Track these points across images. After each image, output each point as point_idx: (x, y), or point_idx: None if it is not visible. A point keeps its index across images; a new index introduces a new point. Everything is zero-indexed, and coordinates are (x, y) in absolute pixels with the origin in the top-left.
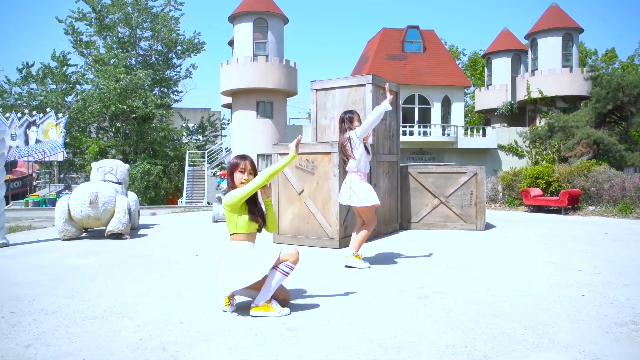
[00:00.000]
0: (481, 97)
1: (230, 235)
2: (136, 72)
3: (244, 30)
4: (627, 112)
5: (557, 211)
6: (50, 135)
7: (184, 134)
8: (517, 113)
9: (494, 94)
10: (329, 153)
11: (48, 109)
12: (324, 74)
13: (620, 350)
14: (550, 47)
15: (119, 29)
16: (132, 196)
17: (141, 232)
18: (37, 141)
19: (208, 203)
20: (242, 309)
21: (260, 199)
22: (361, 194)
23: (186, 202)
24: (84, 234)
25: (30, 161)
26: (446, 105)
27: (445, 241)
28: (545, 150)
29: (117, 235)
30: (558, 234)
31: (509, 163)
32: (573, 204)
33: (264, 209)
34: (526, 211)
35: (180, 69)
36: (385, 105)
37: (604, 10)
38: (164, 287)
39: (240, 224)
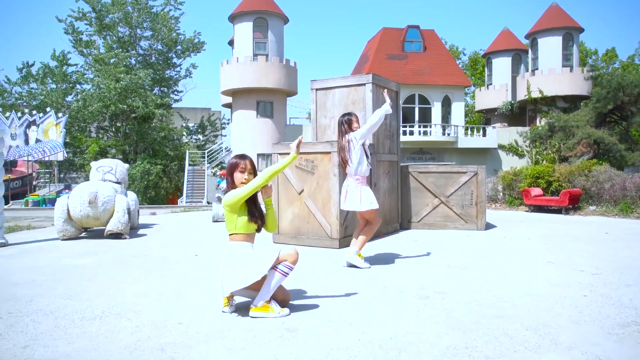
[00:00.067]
0: (481, 96)
1: (229, 235)
2: (136, 71)
3: (244, 30)
4: (627, 112)
5: (558, 211)
6: (50, 134)
7: (184, 133)
8: (518, 113)
9: (494, 94)
10: (329, 153)
11: (48, 109)
12: (324, 74)
13: (623, 351)
14: (550, 47)
15: (119, 28)
16: (132, 196)
17: (141, 231)
18: (37, 141)
19: (208, 203)
20: (242, 310)
21: (260, 199)
22: (364, 198)
23: (186, 202)
24: (83, 233)
25: (30, 161)
26: (446, 105)
27: (446, 241)
28: (546, 150)
29: (116, 235)
30: (559, 234)
31: (509, 163)
32: (574, 204)
33: (264, 209)
34: (527, 211)
35: (181, 69)
36: (386, 108)
37: (604, 10)
38: (163, 287)
39: (239, 225)
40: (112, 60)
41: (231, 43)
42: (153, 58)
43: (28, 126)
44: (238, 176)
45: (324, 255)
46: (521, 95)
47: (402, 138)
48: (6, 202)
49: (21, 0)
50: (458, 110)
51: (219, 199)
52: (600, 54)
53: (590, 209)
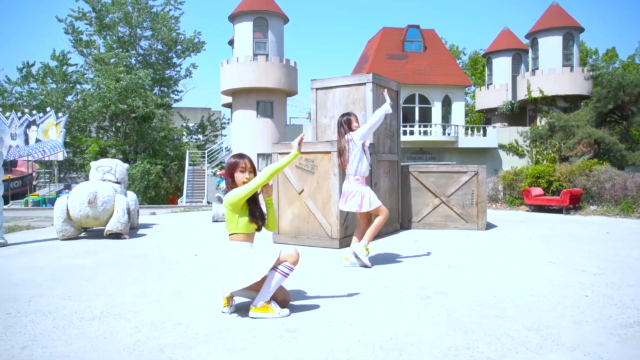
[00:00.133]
0: (482, 96)
1: (229, 235)
2: (136, 71)
3: (244, 30)
4: (627, 112)
5: (559, 211)
6: (50, 134)
7: (184, 133)
8: (518, 112)
9: (495, 94)
10: (329, 152)
11: (48, 109)
12: (324, 74)
13: (625, 352)
14: (550, 47)
15: (119, 28)
16: (131, 196)
17: (140, 231)
18: (37, 140)
19: (208, 203)
20: (241, 310)
21: (260, 199)
22: (364, 202)
23: (186, 202)
24: (83, 233)
25: (30, 161)
26: (447, 104)
27: (447, 241)
28: (546, 149)
29: (116, 235)
30: (560, 234)
31: (509, 162)
32: (574, 204)
33: (264, 209)
34: (527, 211)
35: (181, 69)
36: (386, 108)
37: (605, 9)
38: (162, 288)
39: (240, 224)
40: (112, 60)
41: (231, 43)
42: (153, 58)
43: (28, 126)
44: (239, 176)
45: (324, 255)
46: (521, 95)
47: (403, 138)
48: (6, 202)
49: (21, 0)
50: (458, 110)
51: (219, 199)
52: (600, 54)
53: (591, 209)
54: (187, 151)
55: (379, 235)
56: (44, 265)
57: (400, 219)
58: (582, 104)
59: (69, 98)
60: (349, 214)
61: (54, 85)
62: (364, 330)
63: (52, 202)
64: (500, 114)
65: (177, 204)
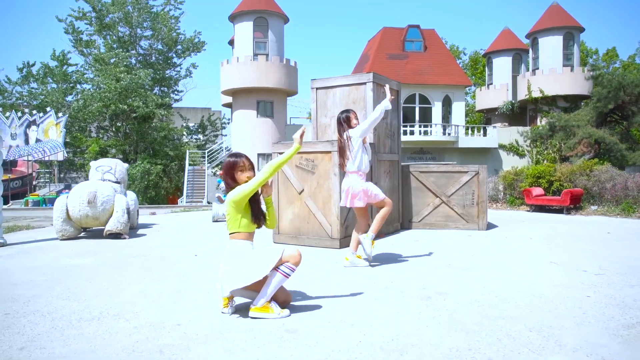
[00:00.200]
0: (482, 96)
1: (230, 234)
2: (136, 71)
3: (245, 30)
4: (628, 112)
5: (559, 211)
6: (50, 134)
7: (184, 133)
8: (518, 112)
9: (495, 94)
10: (330, 152)
11: (48, 109)
12: (324, 74)
13: (628, 353)
14: (551, 47)
15: (119, 28)
16: (131, 195)
17: (140, 231)
18: (37, 140)
19: (208, 202)
20: (241, 310)
21: (260, 198)
22: (369, 191)
23: (186, 202)
24: (83, 233)
25: (30, 160)
26: (447, 104)
27: (447, 241)
28: (546, 149)
29: (115, 235)
30: (561, 234)
31: (509, 162)
32: (575, 204)
33: (264, 209)
34: (528, 211)
35: (181, 69)
36: (386, 104)
37: (605, 9)
38: (162, 288)
39: (242, 224)
40: (112, 60)
41: (231, 43)
42: (153, 58)
43: (28, 126)
44: (241, 176)
45: (324, 255)
46: (522, 94)
47: (403, 138)
48: (6, 202)
49: (21, 0)
50: (458, 110)
51: (219, 199)
52: (600, 54)
53: (592, 209)
54: (187, 151)
55: (379, 235)
56: (43, 265)
57: (401, 219)
58: (582, 104)
59: (69, 98)
60: (349, 214)
61: (54, 85)
62: (365, 330)
63: (52, 202)
64: (500, 114)
65: (177, 204)
